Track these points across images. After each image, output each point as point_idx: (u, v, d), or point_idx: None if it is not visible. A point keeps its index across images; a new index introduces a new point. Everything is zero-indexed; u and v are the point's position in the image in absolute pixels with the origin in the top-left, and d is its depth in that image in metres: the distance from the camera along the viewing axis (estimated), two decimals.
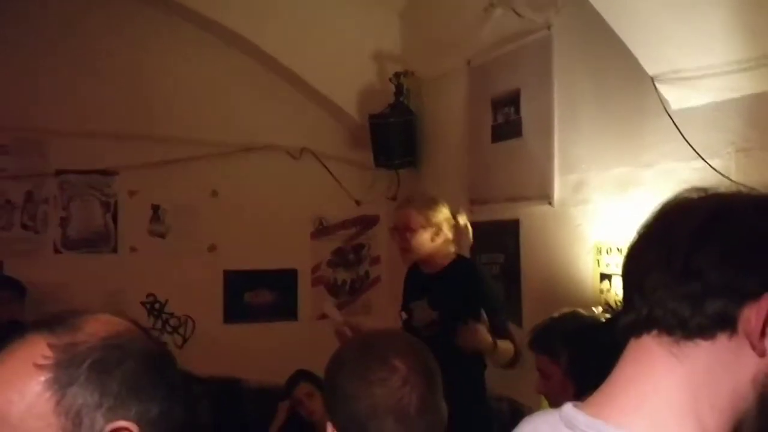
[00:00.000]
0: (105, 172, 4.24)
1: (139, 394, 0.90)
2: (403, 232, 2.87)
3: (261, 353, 4.34)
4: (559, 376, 1.96)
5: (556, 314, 2.20)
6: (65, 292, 3.99)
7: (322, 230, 4.81)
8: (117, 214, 4.27)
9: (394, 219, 2.99)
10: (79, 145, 4.14)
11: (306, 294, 4.75)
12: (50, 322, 0.92)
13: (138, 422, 0.89)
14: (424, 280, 2.99)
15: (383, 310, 4.74)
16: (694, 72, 2.42)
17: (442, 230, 2.89)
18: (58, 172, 4.13)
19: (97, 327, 0.93)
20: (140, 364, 0.92)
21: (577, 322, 2.08)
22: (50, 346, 0.88)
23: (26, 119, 4.00)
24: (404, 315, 3.00)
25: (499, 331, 2.74)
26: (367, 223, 4.93)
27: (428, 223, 2.86)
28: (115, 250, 4.26)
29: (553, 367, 2.05)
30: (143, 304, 4.30)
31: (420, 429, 1.24)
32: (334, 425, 1.27)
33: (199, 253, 4.42)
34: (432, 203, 2.93)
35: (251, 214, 4.49)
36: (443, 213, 2.92)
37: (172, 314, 4.37)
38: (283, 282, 4.68)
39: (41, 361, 0.87)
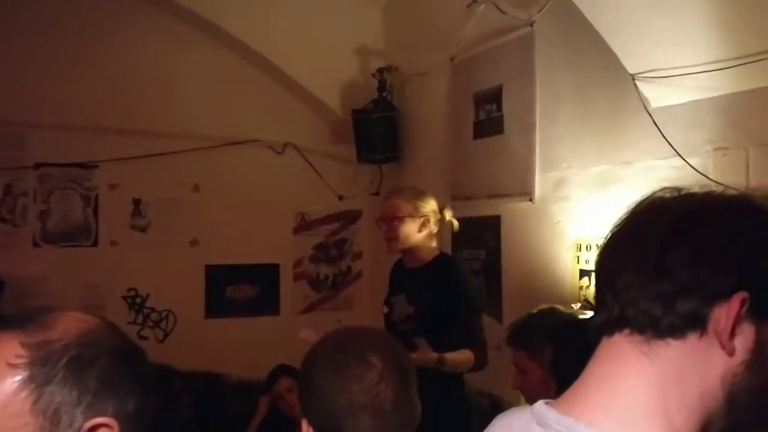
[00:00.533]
0: (85, 166, 4.20)
1: (116, 389, 0.90)
2: (391, 221, 2.85)
3: (242, 348, 4.34)
4: (538, 372, 1.98)
5: (534, 310, 2.22)
6: (45, 286, 3.96)
7: (304, 225, 4.81)
8: (97, 208, 4.24)
9: (382, 209, 2.96)
10: (59, 138, 4.10)
11: (288, 289, 4.74)
12: (20, 321, 0.90)
13: (116, 418, 0.89)
14: (406, 274, 2.98)
15: (365, 305, 4.75)
16: (674, 71, 2.45)
17: (429, 222, 2.88)
18: (38, 165, 4.08)
19: (70, 324, 0.92)
20: (115, 360, 0.92)
21: (556, 318, 2.10)
22: (23, 344, 0.87)
23: (5, 112, 3.94)
24: (386, 309, 3.01)
25: (461, 338, 2.70)
26: (349, 218, 4.93)
27: (416, 213, 2.85)
28: (95, 244, 4.22)
29: (531, 363, 2.06)
30: (124, 298, 4.27)
31: (395, 425, 1.25)
32: (310, 422, 1.27)
33: (181, 248, 4.40)
34: (421, 194, 2.92)
35: (233, 208, 4.47)
36: (431, 205, 2.91)
37: (153, 309, 4.35)
38: (265, 276, 4.67)
39: (14, 360, 0.86)
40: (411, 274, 2.95)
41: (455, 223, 3.02)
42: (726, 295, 0.76)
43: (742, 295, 0.75)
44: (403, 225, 2.84)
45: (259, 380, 3.97)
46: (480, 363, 2.78)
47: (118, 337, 0.97)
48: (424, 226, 2.87)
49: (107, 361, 0.91)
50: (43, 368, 0.87)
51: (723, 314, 0.75)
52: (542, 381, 1.92)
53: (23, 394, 0.85)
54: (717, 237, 0.78)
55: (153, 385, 0.97)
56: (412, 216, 2.84)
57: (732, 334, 0.76)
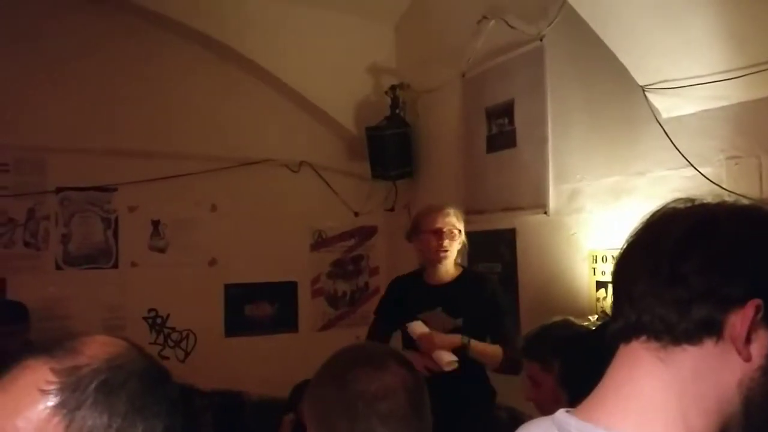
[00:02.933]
0: (105, 189, 4.26)
1: (144, 412, 0.92)
2: (450, 235, 2.96)
3: (262, 365, 4.36)
4: (551, 384, 1.97)
5: (547, 322, 2.22)
6: (67, 308, 4.01)
7: (321, 242, 4.85)
8: (117, 230, 4.30)
9: (439, 222, 2.98)
10: (79, 162, 4.16)
11: (306, 306, 4.77)
12: (48, 347, 0.92)
13: None
14: (432, 290, 3.00)
15: None
16: (684, 81, 2.47)
17: (464, 242, 3.02)
18: (59, 190, 4.15)
19: (97, 349, 0.93)
20: (142, 383, 0.93)
21: (567, 330, 2.10)
22: (53, 370, 0.89)
23: (27, 138, 4.02)
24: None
25: (494, 337, 2.83)
26: (365, 234, 4.96)
27: (461, 231, 3.00)
28: (116, 266, 4.27)
29: (543, 375, 2.05)
30: (145, 318, 4.31)
31: (425, 405, 1.33)
32: None
33: (200, 267, 4.44)
34: (461, 214, 3.06)
35: (251, 227, 4.52)
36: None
37: (173, 329, 4.38)
38: (284, 294, 4.71)
39: (45, 387, 0.87)
40: (439, 290, 2.98)
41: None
42: (740, 302, 0.78)
43: (757, 301, 0.77)
44: (456, 241, 2.97)
45: (278, 398, 3.98)
46: (512, 364, 2.80)
47: (144, 359, 0.98)
48: (461, 244, 3.01)
49: (135, 384, 0.92)
50: (73, 393, 0.88)
51: (738, 320, 0.78)
52: (554, 393, 1.91)
53: (56, 419, 0.86)
54: (728, 245, 0.80)
55: (178, 406, 0.98)
56: (461, 233, 2.99)
57: (747, 340, 0.78)
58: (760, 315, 0.78)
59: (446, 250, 2.95)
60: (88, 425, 0.88)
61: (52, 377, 0.88)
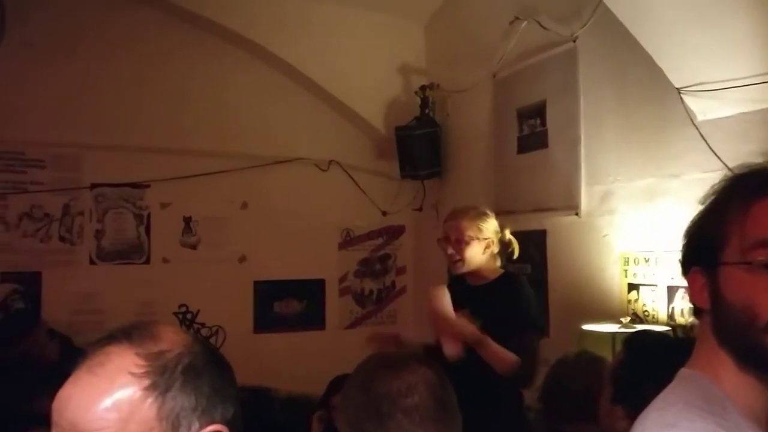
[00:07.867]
0: (138, 185, 4.32)
1: (222, 394, 0.96)
2: (456, 243, 2.83)
3: (290, 362, 4.38)
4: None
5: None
6: (100, 303, 4.08)
7: (349, 241, 4.87)
8: (150, 226, 4.36)
9: (445, 229, 2.90)
10: (113, 159, 4.23)
11: (333, 303, 4.81)
12: (126, 334, 0.95)
13: (223, 423, 0.94)
14: (468, 291, 2.90)
15: (408, 319, 4.80)
16: (720, 83, 2.45)
17: (492, 244, 2.85)
18: (93, 186, 4.22)
19: (173, 335, 0.97)
20: (217, 368, 0.98)
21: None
22: (139, 355, 0.92)
23: (63, 135, 4.08)
24: None
25: (513, 350, 2.65)
26: (393, 233, 4.98)
27: (481, 235, 2.83)
28: (147, 261, 4.34)
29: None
30: (175, 314, 4.36)
31: (447, 400, 1.37)
32: None
33: (230, 264, 4.49)
34: (484, 215, 2.88)
35: (280, 225, 4.55)
36: (493, 226, 2.88)
37: (203, 324, 4.44)
38: (311, 291, 4.74)
39: (135, 370, 0.91)
40: (474, 291, 2.88)
41: (515, 245, 2.95)
42: (687, 272, 1.02)
43: (693, 268, 1.00)
44: (468, 248, 2.81)
45: (307, 395, 4.00)
46: (522, 374, 2.69)
47: (209, 346, 1.02)
48: (487, 247, 2.84)
49: (213, 369, 0.96)
50: (162, 376, 0.91)
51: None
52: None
53: (149, 401, 0.90)
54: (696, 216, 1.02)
55: (238, 393, 1.02)
56: (477, 239, 2.82)
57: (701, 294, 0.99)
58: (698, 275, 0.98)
59: (456, 259, 2.83)
60: (177, 406, 0.91)
61: (140, 361, 0.92)
